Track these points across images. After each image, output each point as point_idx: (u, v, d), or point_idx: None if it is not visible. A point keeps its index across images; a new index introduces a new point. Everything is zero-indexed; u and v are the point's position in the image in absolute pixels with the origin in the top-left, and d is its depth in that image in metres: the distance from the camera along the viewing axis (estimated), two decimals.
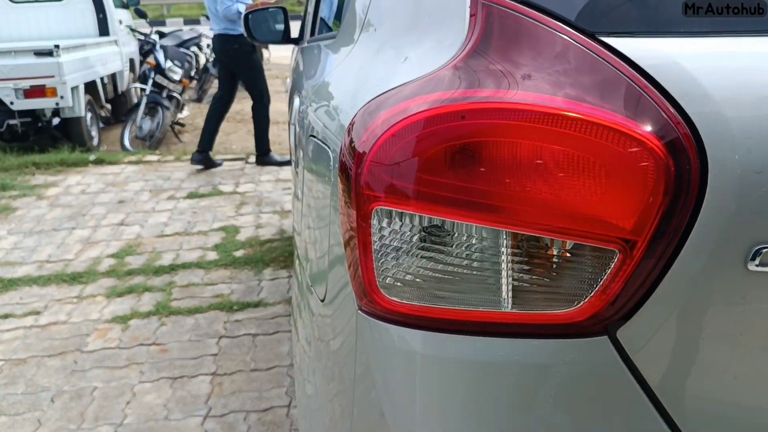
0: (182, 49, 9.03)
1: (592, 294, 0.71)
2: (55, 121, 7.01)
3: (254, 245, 4.05)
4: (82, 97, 6.95)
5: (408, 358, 0.78)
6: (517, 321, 0.74)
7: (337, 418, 0.96)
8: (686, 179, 0.68)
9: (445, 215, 0.73)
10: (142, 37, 8.80)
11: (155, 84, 7.65)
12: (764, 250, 0.68)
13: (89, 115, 7.29)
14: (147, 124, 7.39)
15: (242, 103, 8.71)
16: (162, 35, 9.38)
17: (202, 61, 10.74)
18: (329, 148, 1.01)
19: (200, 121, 9.47)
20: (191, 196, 5.10)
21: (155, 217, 4.66)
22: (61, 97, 6.53)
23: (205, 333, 3.01)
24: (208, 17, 5.89)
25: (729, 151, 0.68)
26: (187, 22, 19.43)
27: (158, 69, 7.71)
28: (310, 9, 2.65)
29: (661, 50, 0.72)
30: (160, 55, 7.84)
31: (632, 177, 0.68)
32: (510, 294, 0.73)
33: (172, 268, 3.74)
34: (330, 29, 2.10)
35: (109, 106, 9.22)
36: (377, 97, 0.81)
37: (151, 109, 7.47)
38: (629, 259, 0.70)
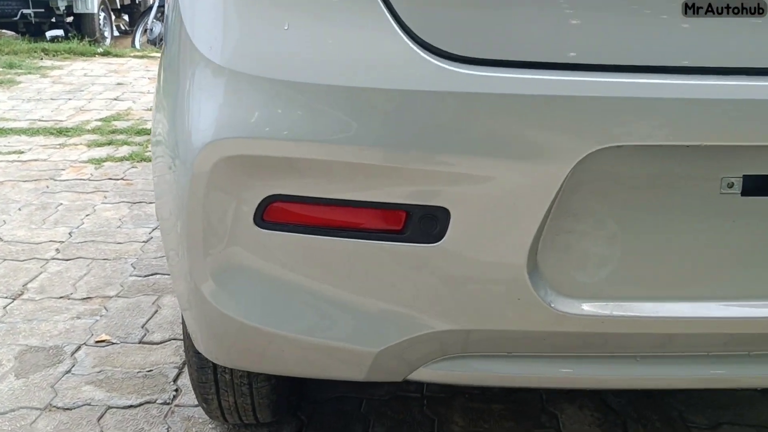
0: None
1: None
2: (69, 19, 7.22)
3: None
4: None
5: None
6: None
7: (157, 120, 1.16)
8: None
9: None
10: None
11: None
12: None
13: (102, 15, 7.48)
14: (158, 27, 7.48)
15: None
16: None
17: None
18: None
19: None
20: None
21: (148, 96, 4.85)
22: None
23: None
24: None
25: None
26: None
27: None
28: None
29: None
30: None
31: None
32: None
33: None
34: None
35: (126, 17, 9.37)
36: None
37: (163, 14, 7.61)
38: None
